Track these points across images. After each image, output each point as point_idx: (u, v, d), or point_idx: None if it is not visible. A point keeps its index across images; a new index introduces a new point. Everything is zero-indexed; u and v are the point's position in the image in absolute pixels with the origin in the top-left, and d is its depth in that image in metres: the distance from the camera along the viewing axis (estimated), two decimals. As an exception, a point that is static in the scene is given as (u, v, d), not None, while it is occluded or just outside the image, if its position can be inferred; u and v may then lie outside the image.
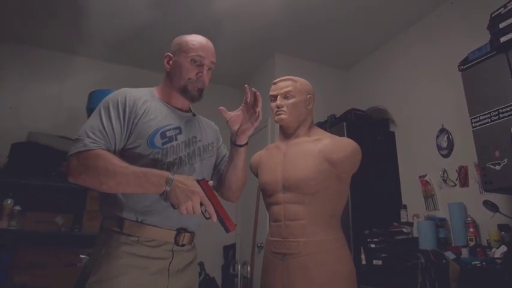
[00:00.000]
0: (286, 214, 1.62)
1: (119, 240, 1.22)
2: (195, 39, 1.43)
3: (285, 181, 1.64)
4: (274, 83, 1.79)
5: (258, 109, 1.40)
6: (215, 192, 1.28)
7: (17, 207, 3.23)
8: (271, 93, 1.78)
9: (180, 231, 1.31)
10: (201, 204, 1.20)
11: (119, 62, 4.34)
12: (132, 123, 1.29)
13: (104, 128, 1.25)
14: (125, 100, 1.31)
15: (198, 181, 1.23)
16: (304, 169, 1.60)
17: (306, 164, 1.61)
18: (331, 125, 3.64)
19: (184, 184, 1.20)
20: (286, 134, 1.78)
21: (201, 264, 3.89)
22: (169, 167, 1.30)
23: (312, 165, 1.60)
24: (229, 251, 4.37)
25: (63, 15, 3.57)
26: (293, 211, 1.60)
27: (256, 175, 1.87)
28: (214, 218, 1.22)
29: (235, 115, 1.43)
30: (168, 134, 1.34)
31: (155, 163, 1.27)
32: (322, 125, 3.61)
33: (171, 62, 1.43)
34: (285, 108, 1.71)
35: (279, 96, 1.74)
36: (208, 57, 1.41)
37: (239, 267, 3.91)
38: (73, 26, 3.74)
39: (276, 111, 1.74)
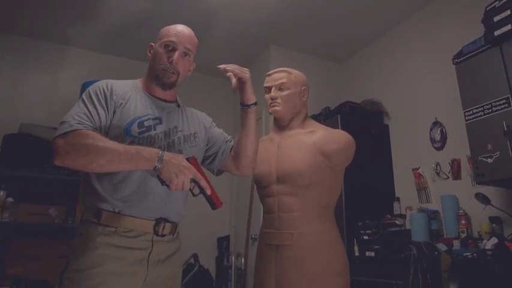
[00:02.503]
0: (279, 206, 1.62)
1: (96, 230, 1.22)
2: (172, 26, 1.43)
3: (278, 173, 1.65)
4: (269, 75, 1.79)
5: (228, 74, 1.40)
6: (203, 170, 1.30)
7: (10, 199, 3.21)
8: (265, 84, 1.78)
9: (159, 221, 1.30)
10: (190, 181, 1.22)
11: (112, 53, 4.30)
12: (114, 111, 1.29)
13: (89, 112, 1.25)
14: (106, 89, 1.32)
15: (187, 159, 1.25)
16: (298, 161, 1.61)
17: (300, 156, 1.61)
18: (325, 117, 3.64)
19: (176, 160, 1.20)
20: (280, 126, 1.77)
21: (195, 256, 3.90)
22: None
23: (306, 157, 1.60)
24: (223, 242, 4.38)
25: (56, 5, 3.52)
26: (287, 203, 1.61)
27: (250, 167, 1.87)
28: (209, 191, 1.24)
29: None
30: (146, 123, 1.33)
31: None
32: (316, 118, 3.61)
33: (151, 51, 1.44)
34: (279, 100, 1.71)
35: (273, 88, 1.73)
36: (181, 43, 1.39)
37: (233, 258, 3.93)
38: (66, 17, 3.69)
39: (270, 103, 1.73)
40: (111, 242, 1.21)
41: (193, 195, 1.27)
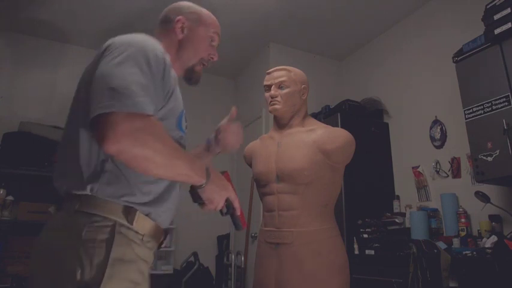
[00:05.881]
0: (279, 204, 1.63)
1: (127, 236, 0.92)
2: (214, 17, 1.28)
3: (278, 171, 1.65)
4: (269, 73, 1.78)
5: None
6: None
7: (10, 198, 3.21)
8: (265, 83, 1.77)
9: (166, 230, 1.08)
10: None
11: (112, 51, 4.29)
12: (167, 92, 1.01)
13: (147, 85, 0.92)
14: (165, 61, 1.00)
15: (221, 172, 1.14)
16: (298, 159, 1.61)
17: (300, 154, 1.61)
18: (325, 115, 3.64)
19: (218, 178, 1.07)
20: (280, 124, 1.77)
21: (195, 254, 3.92)
22: None
23: (306, 155, 1.60)
24: (223, 241, 4.39)
25: (56, 3, 3.51)
26: (286, 201, 1.61)
27: (250, 165, 1.87)
28: (239, 211, 1.14)
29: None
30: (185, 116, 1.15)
31: None
32: (316, 116, 3.61)
33: (185, 29, 1.20)
34: (279, 98, 1.70)
35: (273, 86, 1.73)
36: (219, 39, 1.27)
37: (233, 257, 3.93)
38: (66, 15, 3.69)
39: (270, 102, 1.73)
40: (143, 256, 0.95)
41: (222, 214, 1.14)
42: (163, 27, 1.23)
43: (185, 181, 1.00)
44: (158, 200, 1.00)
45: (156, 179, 0.99)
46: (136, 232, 0.94)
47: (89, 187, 0.92)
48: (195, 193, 1.05)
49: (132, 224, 0.93)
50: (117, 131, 0.83)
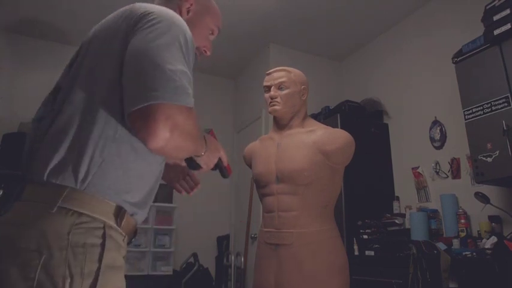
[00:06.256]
0: (279, 205, 1.62)
1: (116, 240, 0.84)
2: (219, 12, 1.22)
3: (278, 172, 1.64)
4: (268, 74, 1.78)
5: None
6: None
7: (9, 198, 3.21)
8: (265, 83, 1.77)
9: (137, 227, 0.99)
10: None
11: (111, 52, 4.29)
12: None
13: (189, 76, 0.87)
14: (194, 50, 0.94)
15: (208, 131, 1.17)
16: (298, 160, 1.60)
17: (300, 155, 1.61)
18: (325, 116, 3.64)
19: (210, 140, 1.06)
20: (280, 125, 1.77)
21: (194, 255, 3.91)
22: None
23: (306, 156, 1.60)
24: (223, 241, 4.39)
25: (56, 4, 3.51)
26: (286, 202, 1.61)
27: (250, 166, 1.87)
28: (226, 164, 1.17)
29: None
30: None
31: None
32: (316, 117, 3.61)
33: (191, 12, 1.12)
34: (278, 99, 1.70)
35: (272, 87, 1.73)
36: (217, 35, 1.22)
37: (233, 258, 3.93)
38: (66, 15, 3.69)
39: (270, 102, 1.73)
40: (125, 259, 0.89)
41: (212, 170, 1.17)
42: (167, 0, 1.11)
43: (193, 154, 1.01)
44: (146, 198, 0.94)
45: (149, 172, 0.93)
46: (121, 234, 0.86)
47: (79, 178, 0.80)
48: (192, 161, 1.07)
49: (120, 226, 0.84)
50: (168, 126, 0.78)
